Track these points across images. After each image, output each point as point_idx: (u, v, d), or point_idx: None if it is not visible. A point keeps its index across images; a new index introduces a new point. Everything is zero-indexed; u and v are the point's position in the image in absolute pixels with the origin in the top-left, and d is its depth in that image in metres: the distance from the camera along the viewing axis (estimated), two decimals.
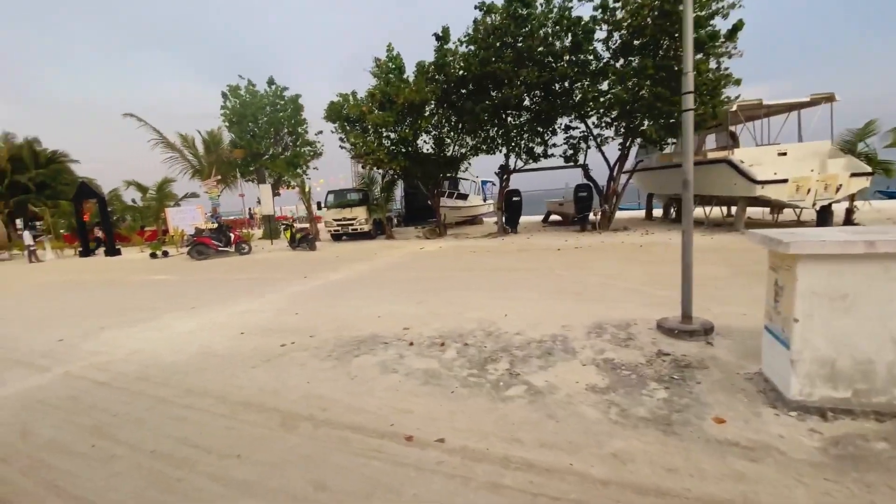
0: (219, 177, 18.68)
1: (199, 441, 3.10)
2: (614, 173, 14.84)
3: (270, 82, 18.79)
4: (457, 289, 7.38)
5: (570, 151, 14.99)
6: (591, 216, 14.99)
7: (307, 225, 16.45)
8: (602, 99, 12.86)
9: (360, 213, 17.12)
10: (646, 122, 12.51)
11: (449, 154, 16.41)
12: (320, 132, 20.61)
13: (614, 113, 13.06)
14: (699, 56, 11.97)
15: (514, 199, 15.68)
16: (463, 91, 14.06)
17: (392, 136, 15.32)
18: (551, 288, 6.85)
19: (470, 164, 17.07)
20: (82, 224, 20.29)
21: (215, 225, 18.62)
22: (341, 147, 16.84)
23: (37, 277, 13.40)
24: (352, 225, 17.17)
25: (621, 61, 12.76)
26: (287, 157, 19.15)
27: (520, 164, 15.78)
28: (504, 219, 16.01)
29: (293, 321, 6.04)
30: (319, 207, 18.11)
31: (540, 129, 14.40)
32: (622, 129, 13.57)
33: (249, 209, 26.71)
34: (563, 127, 14.79)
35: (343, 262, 11.67)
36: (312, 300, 7.30)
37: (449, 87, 14.01)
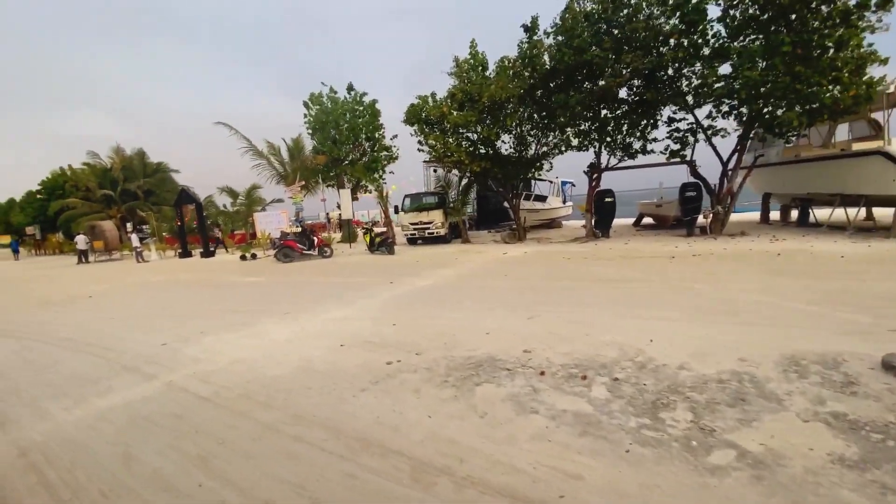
0: (302, 182, 19.23)
1: (317, 492, 2.51)
2: (728, 169, 12.98)
3: (350, 88, 19.05)
4: (569, 302, 6.46)
5: (676, 146, 13.35)
6: (701, 219, 13.25)
7: (386, 229, 16.28)
8: (718, 85, 11.20)
9: (436, 216, 16.68)
10: (780, 109, 10.64)
11: (531, 153, 15.44)
12: (395, 136, 20.56)
13: (733, 100, 11.33)
14: (843, 29, 10.03)
15: (608, 199, 14.31)
16: (552, 84, 13.04)
17: (472, 136, 14.67)
18: (692, 306, 5.70)
19: (551, 163, 15.96)
20: (182, 227, 21.87)
21: (299, 228, 19.20)
22: (419, 150, 16.51)
23: (143, 276, 14.40)
24: (428, 228, 16.76)
25: (742, 40, 11.02)
26: (365, 161, 19.26)
27: (612, 161, 14.40)
28: (593, 221, 14.70)
29: (392, 333, 5.48)
30: (396, 211, 17.94)
31: (640, 122, 12.96)
32: (744, 118, 11.74)
33: (327, 214, 27.45)
34: (664, 119, 13.23)
35: (425, 268, 11.15)
36: (407, 309, 6.75)
37: (536, 81, 13.07)
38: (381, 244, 15.07)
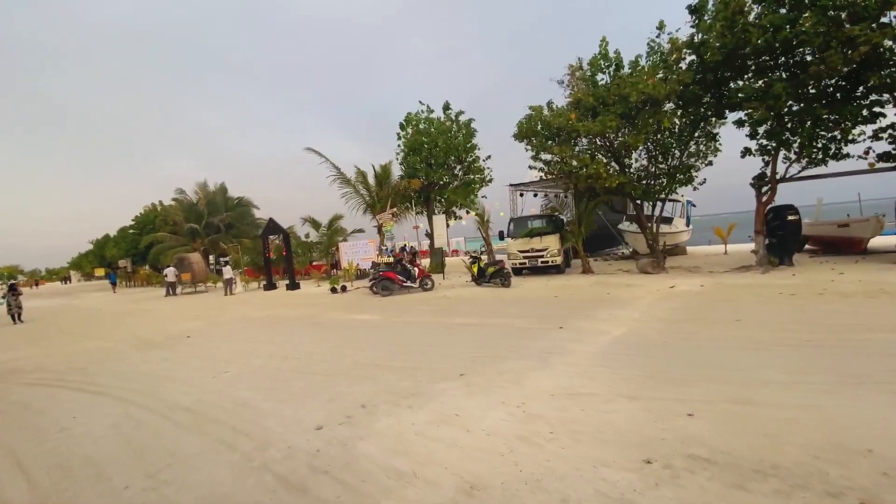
0: (394, 209, 17.84)
1: None
2: None
3: (446, 108, 17.66)
4: None
5: (892, 144, 10.27)
6: None
7: (502, 258, 14.24)
8: None
9: (551, 242, 14.40)
10: None
11: (672, 164, 12.91)
12: (489, 157, 18.80)
13: None
14: None
15: (791, 217, 11.27)
16: (727, 73, 10.58)
17: (605, 147, 12.45)
18: None
19: (701, 177, 13.26)
20: (268, 259, 21.14)
21: (391, 259, 17.63)
22: (531, 167, 14.49)
23: (238, 310, 13.18)
24: (541, 257, 14.49)
25: None
26: (460, 185, 17.58)
27: (793, 169, 11.47)
28: (766, 245, 11.70)
29: (695, 429, 3.18)
30: (502, 237, 15.88)
31: (843, 118, 10.08)
32: None
33: (393, 244, 25.93)
34: (860, 117, 10.21)
35: (581, 306, 8.84)
36: (645, 377, 4.45)
37: (705, 71, 10.69)
38: (495, 275, 12.95)
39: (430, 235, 19.22)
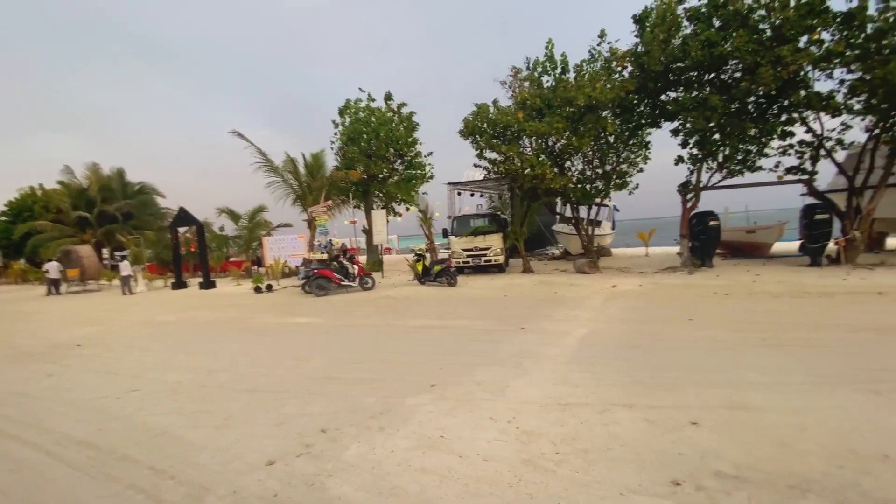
0: (329, 202, 16.59)
1: None
2: (864, 187, 11.16)
3: (388, 97, 16.83)
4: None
5: (799, 160, 11.50)
6: (831, 246, 11.32)
7: (448, 256, 13.75)
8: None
9: (494, 241, 14.31)
10: None
11: (611, 168, 13.41)
12: (431, 153, 18.35)
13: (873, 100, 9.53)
14: None
15: (712, 222, 12.21)
16: (660, 84, 11.12)
17: (551, 148, 12.56)
18: None
19: (633, 181, 13.92)
20: (177, 253, 18.74)
21: (325, 255, 16.43)
22: (476, 165, 14.29)
23: (143, 313, 11.30)
24: (485, 255, 14.33)
25: None
26: (401, 179, 16.88)
27: (714, 178, 12.42)
28: (690, 249, 12.57)
29: (706, 440, 2.97)
30: (446, 235, 15.47)
31: (763, 133, 11.06)
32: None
33: (329, 240, 24.60)
34: (782, 131, 11.38)
35: (534, 306, 8.70)
36: (630, 382, 4.27)
37: (647, 79, 11.13)
38: (441, 274, 12.50)
39: (367, 231, 18.27)
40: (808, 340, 5.30)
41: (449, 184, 19.57)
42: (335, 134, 17.19)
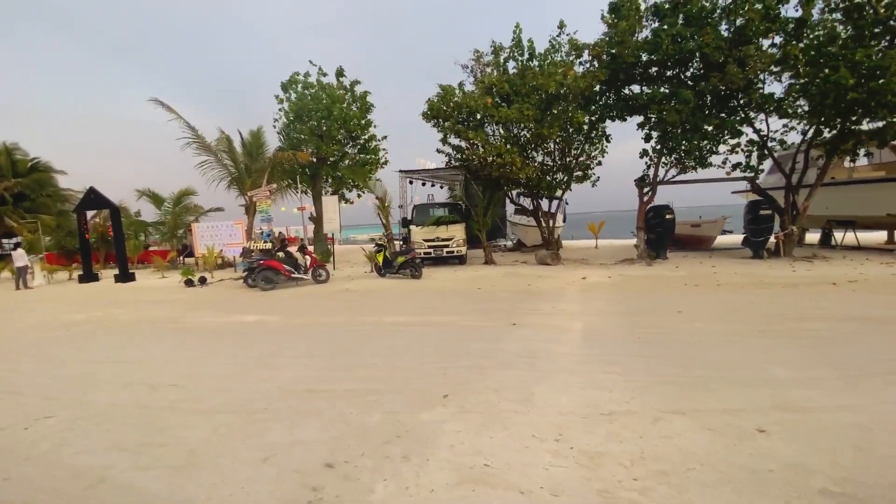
0: (273, 185, 14.99)
1: None
2: (799, 186, 12.05)
3: (340, 74, 15.49)
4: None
5: (746, 158, 12.15)
6: (771, 240, 12.12)
7: (414, 247, 12.92)
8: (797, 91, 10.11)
9: (457, 232, 13.77)
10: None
11: (572, 160, 13.39)
12: (385, 137, 17.34)
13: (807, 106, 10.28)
14: None
15: (668, 216, 12.59)
16: (634, 76, 11.12)
17: (514, 136, 12.20)
18: None
19: (595, 174, 14.01)
20: (85, 241, 16.13)
21: (268, 244, 14.93)
22: (439, 151, 13.62)
23: (45, 311, 9.37)
24: (447, 246, 13.76)
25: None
26: (355, 164, 15.74)
27: (670, 174, 12.81)
28: (645, 241, 12.91)
29: (783, 450, 2.67)
30: (405, 225, 14.64)
31: (721, 130, 11.50)
32: (836, 129, 10.74)
33: (270, 226, 22.78)
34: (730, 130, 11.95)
35: (511, 299, 8.31)
36: (662, 382, 3.96)
37: (617, 71, 11.06)
38: (405, 265, 11.73)
39: (314, 219, 16.90)
40: (806, 332, 5.35)
41: (401, 171, 18.70)
42: (279, 111, 15.56)
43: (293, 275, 11.65)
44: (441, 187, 22.23)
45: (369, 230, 35.15)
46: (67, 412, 3.92)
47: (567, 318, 6.46)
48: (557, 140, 12.60)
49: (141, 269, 18.04)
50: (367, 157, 16.35)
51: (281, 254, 12.30)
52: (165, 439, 3.33)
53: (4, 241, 28.81)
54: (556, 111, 11.59)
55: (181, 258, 18.76)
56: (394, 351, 5.33)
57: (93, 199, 16.08)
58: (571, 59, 12.60)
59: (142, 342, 6.55)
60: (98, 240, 18.93)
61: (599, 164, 13.94)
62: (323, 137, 15.03)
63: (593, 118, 12.55)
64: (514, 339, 5.53)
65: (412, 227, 14.19)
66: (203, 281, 13.39)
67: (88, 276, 15.62)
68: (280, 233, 19.52)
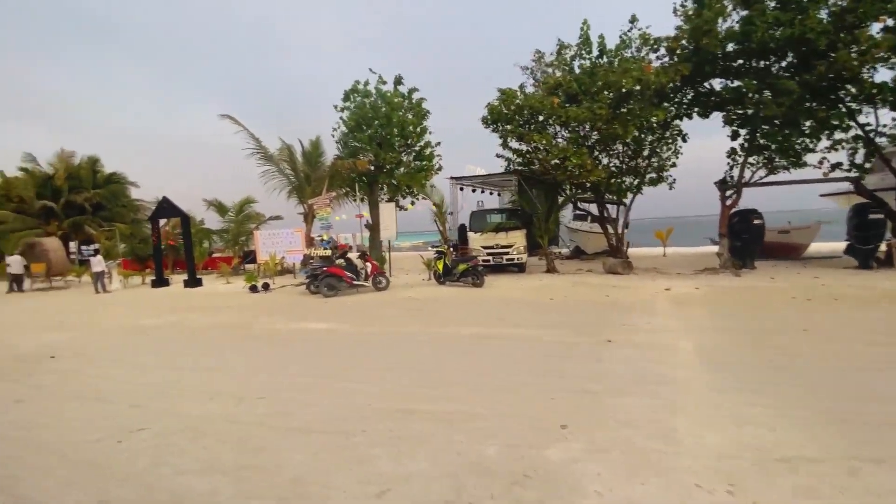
0: (332, 193, 15.14)
1: None
2: None
3: (398, 81, 15.48)
4: None
5: (851, 156, 10.80)
6: (884, 247, 10.70)
7: (475, 254, 12.54)
8: None
9: (517, 239, 13.20)
10: None
11: (645, 162, 12.52)
12: (439, 143, 17.12)
13: None
14: None
15: (756, 221, 11.42)
16: (722, 68, 10.21)
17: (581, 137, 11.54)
18: None
19: (671, 175, 13.00)
20: (158, 247, 16.98)
21: (327, 252, 15.02)
22: (498, 156, 13.19)
23: (122, 315, 9.73)
24: (507, 254, 13.22)
25: None
26: (411, 170, 15.61)
27: (757, 175, 11.63)
28: (729, 249, 11.76)
29: None
30: (462, 232, 14.29)
31: (820, 125, 10.29)
32: None
33: (329, 233, 22.96)
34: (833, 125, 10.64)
35: (592, 312, 7.67)
36: (831, 420, 3.24)
37: (701, 64, 10.20)
38: (467, 273, 11.32)
39: (369, 226, 16.89)
40: None
41: (451, 178, 18.41)
42: (339, 119, 15.75)
43: (354, 282, 11.54)
44: (491, 193, 21.78)
45: (412, 237, 35.18)
46: (158, 424, 3.75)
47: (670, 336, 5.77)
48: (629, 141, 11.80)
49: (205, 274, 18.74)
50: (422, 163, 16.17)
51: (341, 261, 12.26)
52: (263, 461, 3.03)
53: (83, 247, 31.28)
54: (627, 109, 10.83)
55: (242, 264, 19.38)
56: (481, 367, 4.88)
57: (165, 207, 16.93)
58: (643, 54, 11.83)
59: (217, 349, 6.49)
60: (167, 246, 19.94)
61: (674, 165, 12.97)
62: (382, 145, 15.01)
63: (667, 117, 11.65)
64: (617, 359, 4.93)
65: (469, 234, 13.79)
66: (266, 287, 13.61)
67: (160, 281, 16.38)
68: (331, 239, 19.74)
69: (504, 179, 18.98)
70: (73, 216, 28.30)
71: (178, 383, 4.89)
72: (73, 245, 29.03)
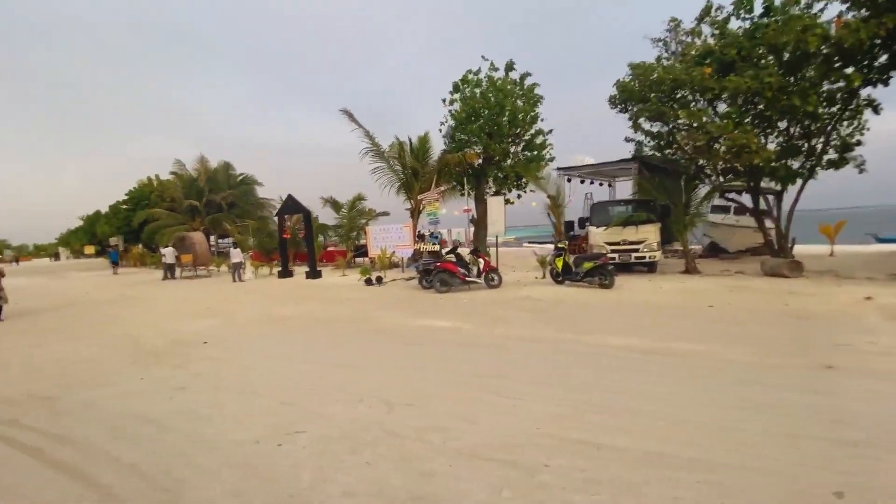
0: (442, 188, 14.97)
1: None
2: None
3: (510, 67, 14.72)
4: None
5: None
6: None
7: (604, 252, 11.44)
8: None
9: (649, 234, 11.64)
10: None
11: (830, 138, 10.20)
12: (551, 131, 15.96)
13: None
14: None
15: None
16: None
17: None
18: None
19: (861, 155, 10.48)
20: (284, 241, 18.33)
21: (436, 246, 14.89)
22: (628, 140, 11.74)
23: (257, 304, 10.42)
24: (636, 251, 11.74)
25: None
26: (522, 161, 14.78)
27: None
28: None
29: None
30: (581, 226, 13.15)
31: None
32: None
33: (436, 228, 22.97)
34: None
35: (777, 326, 6.20)
36: None
37: None
38: (593, 272, 10.22)
39: (474, 221, 16.44)
40: None
41: (559, 169, 17.14)
42: (450, 112, 15.46)
43: (467, 278, 11.10)
44: (601, 185, 20.02)
45: (513, 232, 34.32)
46: (313, 428, 3.50)
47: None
48: (802, 114, 9.65)
49: (323, 266, 19.89)
50: (533, 153, 15.22)
51: (451, 256, 11.91)
52: (439, 493, 2.54)
53: (221, 241, 35.65)
54: (804, 75, 8.78)
55: (353, 258, 20.25)
56: (664, 393, 3.95)
57: (290, 205, 18.21)
58: (821, 6, 9.59)
59: (351, 343, 6.39)
60: (291, 240, 21.62)
61: (859, 143, 10.42)
62: (492, 135, 14.39)
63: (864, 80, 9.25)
64: (855, 394, 3.67)
65: (590, 229, 12.55)
66: (379, 280, 13.86)
67: (286, 273, 17.68)
68: (431, 233, 19.68)
69: (619, 168, 17.21)
70: (213, 213, 32.34)
71: (322, 380, 4.73)
72: (212, 239, 33.22)
